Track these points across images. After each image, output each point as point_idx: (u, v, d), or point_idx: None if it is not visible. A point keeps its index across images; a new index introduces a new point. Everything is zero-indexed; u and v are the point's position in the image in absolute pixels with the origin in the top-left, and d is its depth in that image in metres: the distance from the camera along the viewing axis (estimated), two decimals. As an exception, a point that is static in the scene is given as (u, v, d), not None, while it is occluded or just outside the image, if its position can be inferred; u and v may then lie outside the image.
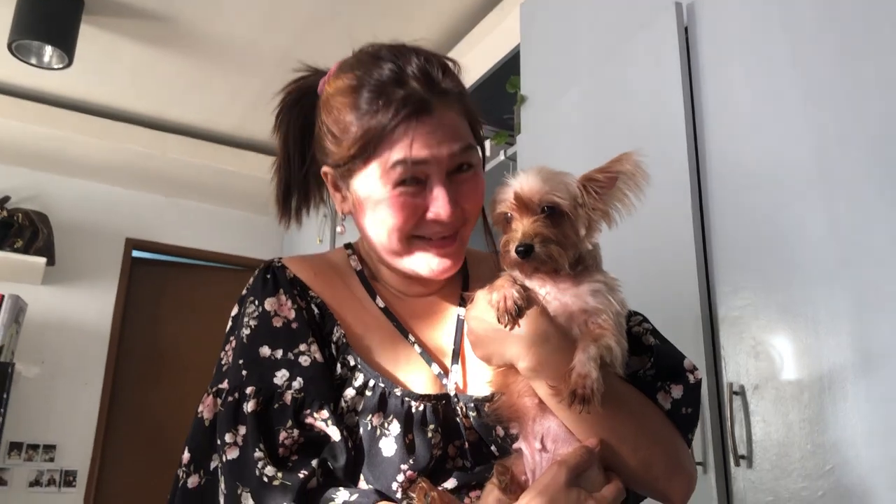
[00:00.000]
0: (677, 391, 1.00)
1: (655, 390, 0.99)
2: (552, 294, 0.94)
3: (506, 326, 0.90)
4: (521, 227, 0.93)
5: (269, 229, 5.27)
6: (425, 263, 1.02)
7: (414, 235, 1.01)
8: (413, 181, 0.97)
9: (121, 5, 3.41)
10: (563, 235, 0.93)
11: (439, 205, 0.98)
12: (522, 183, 0.95)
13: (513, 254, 0.91)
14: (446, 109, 0.99)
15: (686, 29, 1.93)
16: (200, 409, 0.97)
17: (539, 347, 0.91)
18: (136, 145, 4.42)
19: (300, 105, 1.10)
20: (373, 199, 0.99)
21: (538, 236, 0.91)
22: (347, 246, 1.17)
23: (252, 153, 4.71)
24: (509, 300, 0.90)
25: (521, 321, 0.90)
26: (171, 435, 4.62)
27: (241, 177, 4.72)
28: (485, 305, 0.94)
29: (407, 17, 3.42)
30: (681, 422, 0.99)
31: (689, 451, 1.01)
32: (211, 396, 0.97)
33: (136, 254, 4.92)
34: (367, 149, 0.97)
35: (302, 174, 1.12)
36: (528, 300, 0.92)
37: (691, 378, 1.01)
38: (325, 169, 1.06)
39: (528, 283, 0.95)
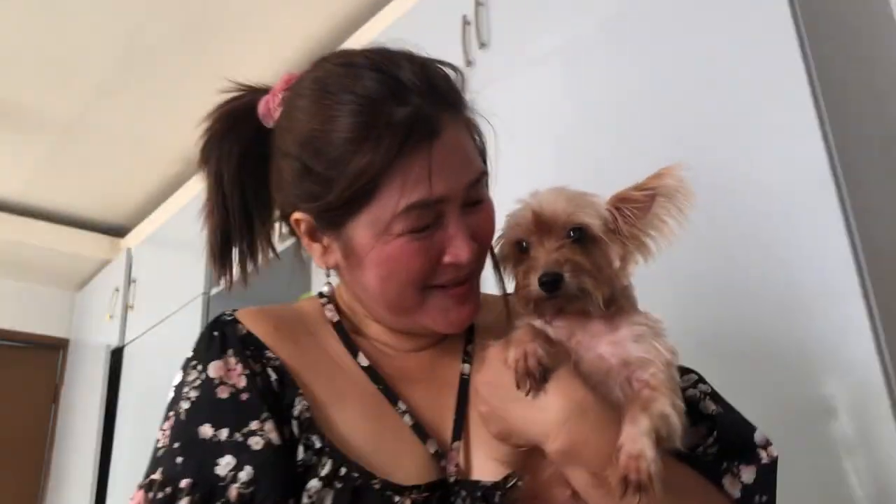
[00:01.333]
0: (748, 474, 0.81)
1: (720, 473, 0.80)
2: (583, 343, 0.77)
3: (527, 394, 0.72)
4: (544, 253, 0.75)
5: (55, 302, 4.86)
6: (443, 316, 0.85)
7: (427, 286, 0.83)
8: (426, 222, 0.80)
9: None
10: (596, 266, 0.75)
11: (458, 245, 0.81)
12: (542, 202, 0.79)
13: (534, 287, 0.74)
14: (456, 128, 0.82)
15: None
16: None
17: (574, 423, 0.71)
18: None
19: (235, 134, 0.91)
20: (377, 249, 0.81)
21: (568, 263, 0.74)
22: (321, 295, 0.96)
23: (38, 221, 4.36)
24: (531, 358, 0.72)
25: (548, 386, 0.72)
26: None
27: (25, 246, 4.34)
28: (499, 366, 0.75)
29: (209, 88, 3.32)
30: None
31: None
32: (141, 491, 0.76)
33: None
34: (369, 189, 0.78)
35: (244, 220, 0.92)
36: (555, 357, 0.73)
37: (764, 456, 0.82)
38: (297, 215, 0.86)
39: (551, 329, 0.78)
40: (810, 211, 1.32)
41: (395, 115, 0.77)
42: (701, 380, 0.88)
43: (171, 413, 0.82)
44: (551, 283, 0.73)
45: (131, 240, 4.35)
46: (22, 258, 4.51)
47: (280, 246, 0.99)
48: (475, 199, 0.84)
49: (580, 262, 0.74)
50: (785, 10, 1.40)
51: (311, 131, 0.81)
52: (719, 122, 1.48)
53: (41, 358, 4.75)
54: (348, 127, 0.78)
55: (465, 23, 2.11)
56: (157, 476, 0.76)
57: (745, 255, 1.40)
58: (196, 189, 3.29)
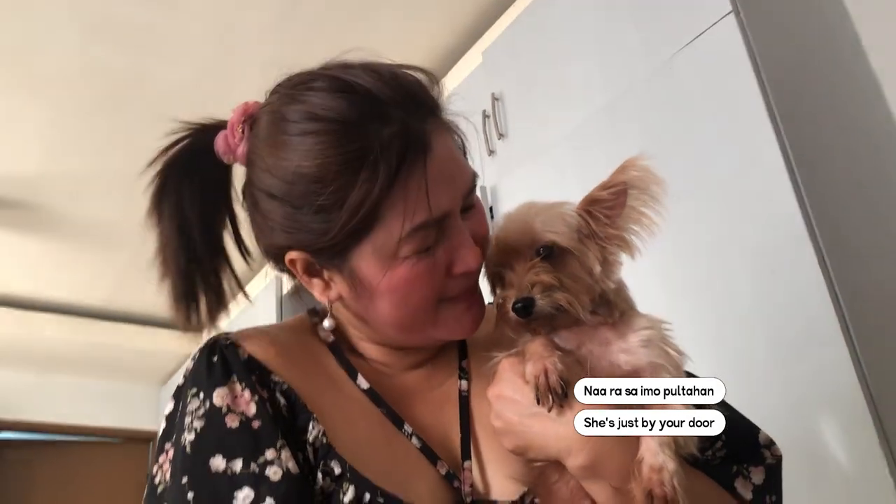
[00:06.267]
0: (758, 475, 0.82)
1: (731, 476, 0.82)
2: (594, 353, 0.76)
3: (550, 410, 0.70)
4: (516, 278, 0.75)
5: (145, 398, 5.22)
6: (458, 325, 0.83)
7: (441, 299, 0.81)
8: (432, 241, 0.78)
9: (-15, 196, 3.50)
10: (572, 278, 0.75)
11: (466, 253, 0.79)
12: (506, 227, 0.79)
13: (511, 314, 0.74)
14: (443, 136, 0.79)
15: (491, 208, 2.24)
16: None
17: (597, 438, 0.69)
18: (2, 326, 4.39)
19: (194, 175, 0.85)
20: (387, 276, 0.77)
21: (537, 285, 0.73)
22: (312, 313, 0.91)
23: (123, 324, 4.73)
24: (552, 374, 0.70)
25: (569, 400, 0.70)
26: None
27: (113, 348, 4.73)
28: (514, 380, 0.74)
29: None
30: None
31: None
32: None
33: (2, 435, 4.76)
34: (371, 217, 0.74)
35: (211, 266, 0.86)
36: (573, 369, 0.72)
37: (769, 456, 0.84)
38: (292, 255, 0.80)
39: (558, 339, 0.77)
40: (791, 264, 1.50)
41: (384, 136, 0.73)
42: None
43: (169, 446, 0.77)
44: (523, 308, 0.73)
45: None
46: (110, 359, 4.90)
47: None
48: (469, 205, 0.82)
49: (548, 280, 0.73)
50: (758, 98, 1.59)
51: (298, 168, 0.75)
52: (704, 191, 1.66)
53: (132, 451, 5.10)
54: (338, 158, 0.73)
55: (485, 116, 2.35)
56: None
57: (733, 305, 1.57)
58: (262, 285, 3.52)
